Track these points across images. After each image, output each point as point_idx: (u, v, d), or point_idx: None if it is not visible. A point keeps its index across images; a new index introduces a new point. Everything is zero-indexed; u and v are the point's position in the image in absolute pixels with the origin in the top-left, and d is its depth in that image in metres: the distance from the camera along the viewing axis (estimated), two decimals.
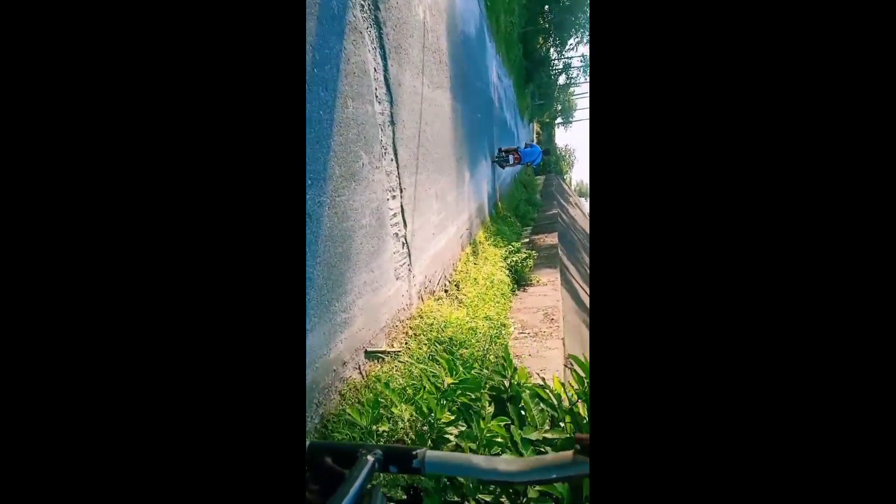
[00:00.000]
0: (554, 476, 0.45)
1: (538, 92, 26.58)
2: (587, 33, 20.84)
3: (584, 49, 22.54)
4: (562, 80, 27.57)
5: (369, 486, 0.45)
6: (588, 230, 19.64)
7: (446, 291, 4.04)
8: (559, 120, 39.80)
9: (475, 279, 4.58)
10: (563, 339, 4.11)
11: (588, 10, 19.92)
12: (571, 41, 21.99)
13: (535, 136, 31.42)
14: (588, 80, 25.33)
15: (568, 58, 23.62)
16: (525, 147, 8.76)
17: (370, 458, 0.47)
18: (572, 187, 42.93)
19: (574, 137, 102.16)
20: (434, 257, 4.02)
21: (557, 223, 10.61)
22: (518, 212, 9.81)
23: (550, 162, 30.70)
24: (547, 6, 18.05)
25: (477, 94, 7.32)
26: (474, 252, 5.42)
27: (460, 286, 4.28)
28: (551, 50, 22.26)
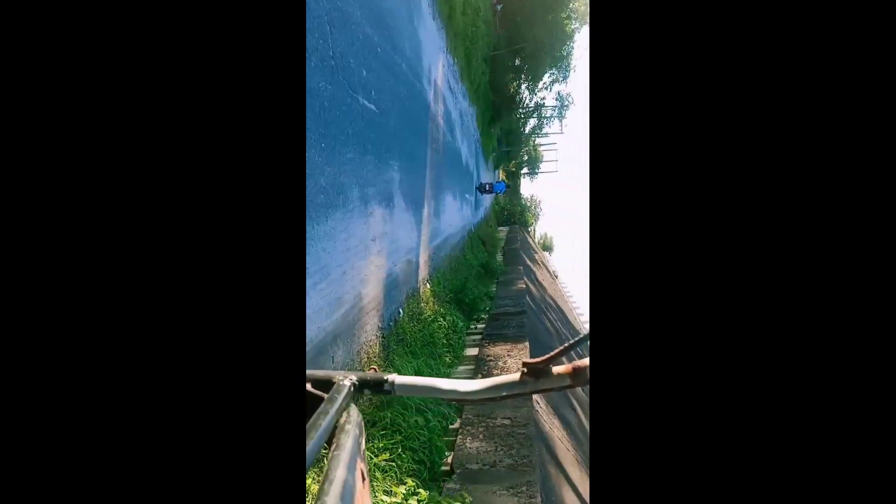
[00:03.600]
0: (504, 393, 0.50)
1: (505, 139, 23.57)
2: (566, 70, 18.05)
3: (560, 87, 19.70)
4: (531, 124, 24.81)
5: (345, 406, 0.48)
6: (559, 303, 16.03)
7: None
8: (525, 170, 37.31)
9: None
10: None
11: (570, 44, 17.16)
12: (546, 78, 19.16)
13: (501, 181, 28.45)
14: (561, 123, 22.47)
15: (541, 99, 20.71)
16: (496, 182, 14.98)
17: (346, 383, 0.51)
18: (536, 239, 40.05)
19: (540, 189, 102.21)
20: None
21: (526, 313, 6.62)
22: (466, 296, 5.72)
23: (516, 213, 27.72)
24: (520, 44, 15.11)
25: (391, 72, 3.42)
26: None
27: None
28: (522, 87, 19.32)
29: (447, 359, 4.04)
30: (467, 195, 11.21)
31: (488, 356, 4.78)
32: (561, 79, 18.64)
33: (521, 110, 20.74)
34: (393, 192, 3.65)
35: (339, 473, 0.34)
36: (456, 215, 8.54)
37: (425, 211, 5.08)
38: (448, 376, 3.97)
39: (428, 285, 4.96)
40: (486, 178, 16.21)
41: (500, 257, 13.64)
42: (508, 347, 5.06)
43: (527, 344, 5.02)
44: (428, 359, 3.46)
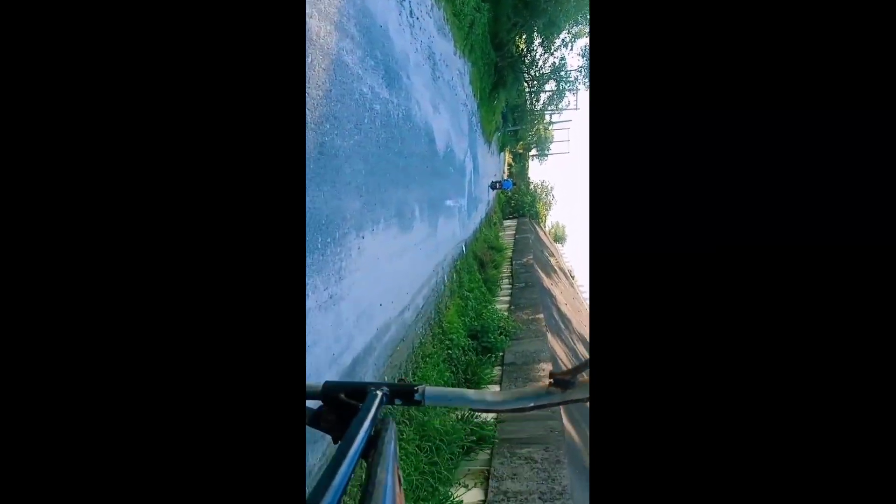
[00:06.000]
0: (531, 404, 0.52)
1: (511, 116, 18.94)
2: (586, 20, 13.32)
3: (583, 41, 14.91)
4: (544, 96, 20.11)
5: (380, 415, 0.50)
6: (584, 329, 11.74)
7: None
8: (534, 152, 32.58)
9: None
10: None
11: None
12: (564, 34, 14.46)
13: (506, 167, 24.02)
14: (587, 85, 17.67)
15: (560, 59, 15.98)
16: (504, 180, 16.70)
17: (379, 393, 0.53)
18: (547, 230, 35.60)
19: (549, 172, 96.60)
20: None
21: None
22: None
23: (525, 203, 23.31)
24: None
25: None
26: None
27: None
28: (535, 43, 14.66)
29: None
30: (449, 201, 6.78)
31: None
32: (586, 33, 13.94)
33: (532, 73, 16.06)
34: None
35: (382, 477, 0.36)
36: (420, 253, 4.19)
37: None
38: None
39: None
40: (487, 164, 12.83)
41: (506, 283, 9.39)
42: None
43: None
44: None
